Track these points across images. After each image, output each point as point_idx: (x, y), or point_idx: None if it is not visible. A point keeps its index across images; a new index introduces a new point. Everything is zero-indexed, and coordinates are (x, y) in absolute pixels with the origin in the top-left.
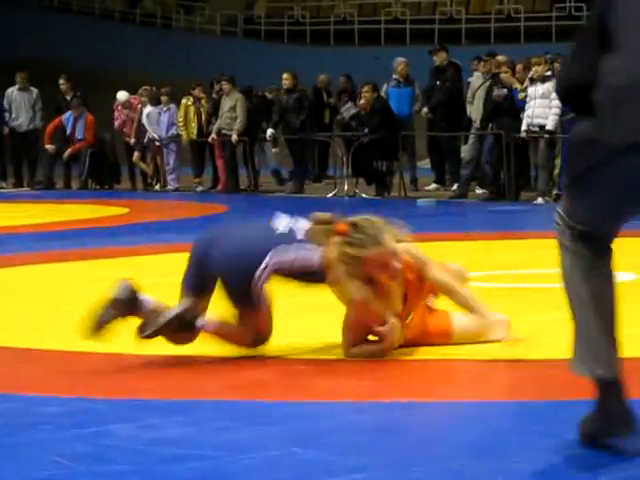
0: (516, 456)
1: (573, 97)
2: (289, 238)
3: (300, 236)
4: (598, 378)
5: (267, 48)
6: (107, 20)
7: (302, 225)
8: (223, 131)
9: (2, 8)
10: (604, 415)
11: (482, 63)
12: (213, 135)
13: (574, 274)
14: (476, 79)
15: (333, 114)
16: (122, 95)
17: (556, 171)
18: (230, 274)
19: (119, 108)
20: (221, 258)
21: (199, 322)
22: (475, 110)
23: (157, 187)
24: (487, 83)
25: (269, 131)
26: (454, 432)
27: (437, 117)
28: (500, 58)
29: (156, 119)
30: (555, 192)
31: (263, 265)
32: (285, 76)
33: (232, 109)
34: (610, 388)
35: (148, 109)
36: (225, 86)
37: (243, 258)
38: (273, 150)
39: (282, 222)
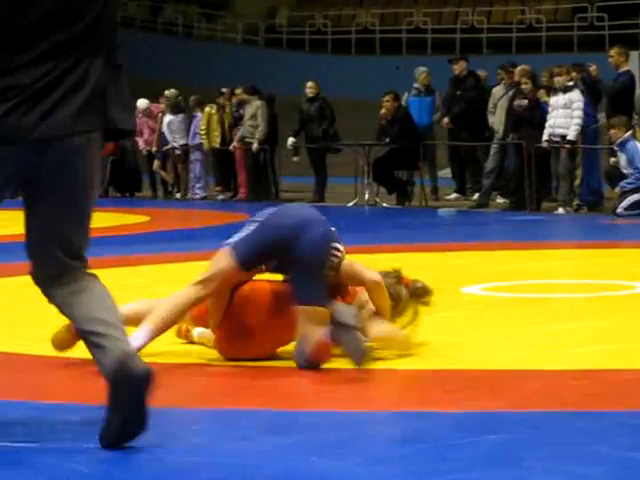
0: (532, 467)
1: None
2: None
3: None
4: None
5: (288, 57)
6: (128, 28)
7: None
8: (246, 139)
9: None
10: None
11: (505, 73)
12: (235, 143)
13: None
14: (499, 89)
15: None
16: (142, 103)
17: (577, 181)
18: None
19: (139, 116)
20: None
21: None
22: (497, 120)
23: (178, 195)
24: (509, 93)
25: (290, 140)
26: (470, 442)
27: (458, 127)
28: (524, 67)
29: (177, 127)
30: (576, 202)
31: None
32: (309, 84)
33: (253, 117)
34: None
35: (168, 117)
36: (242, 95)
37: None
38: (294, 159)
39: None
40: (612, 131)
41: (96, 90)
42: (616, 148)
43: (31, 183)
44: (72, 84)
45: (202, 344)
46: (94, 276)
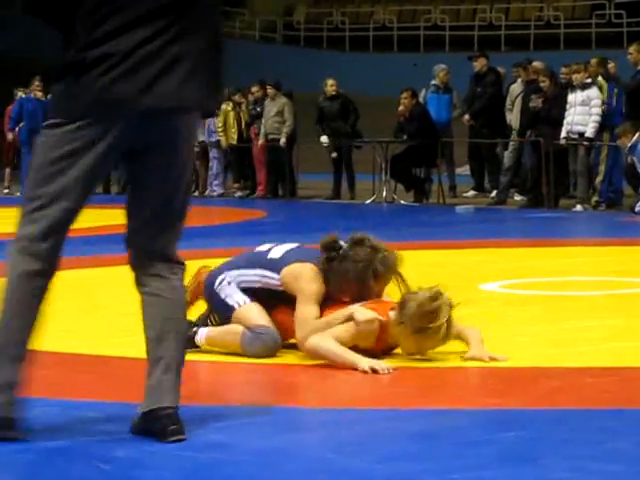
0: (551, 464)
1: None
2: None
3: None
4: None
5: (306, 54)
6: None
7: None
8: (270, 136)
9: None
10: None
11: (522, 70)
12: (260, 140)
13: None
14: (517, 86)
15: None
16: None
17: (599, 178)
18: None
19: None
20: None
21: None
22: (515, 117)
23: (195, 193)
24: (518, 91)
25: (324, 138)
26: (488, 440)
27: (478, 123)
28: (536, 64)
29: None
30: (595, 199)
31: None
32: (330, 82)
33: (279, 114)
34: None
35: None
36: (270, 91)
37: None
38: (333, 155)
39: (279, 249)
40: (619, 141)
41: (197, 68)
42: (628, 153)
43: (132, 156)
44: (173, 57)
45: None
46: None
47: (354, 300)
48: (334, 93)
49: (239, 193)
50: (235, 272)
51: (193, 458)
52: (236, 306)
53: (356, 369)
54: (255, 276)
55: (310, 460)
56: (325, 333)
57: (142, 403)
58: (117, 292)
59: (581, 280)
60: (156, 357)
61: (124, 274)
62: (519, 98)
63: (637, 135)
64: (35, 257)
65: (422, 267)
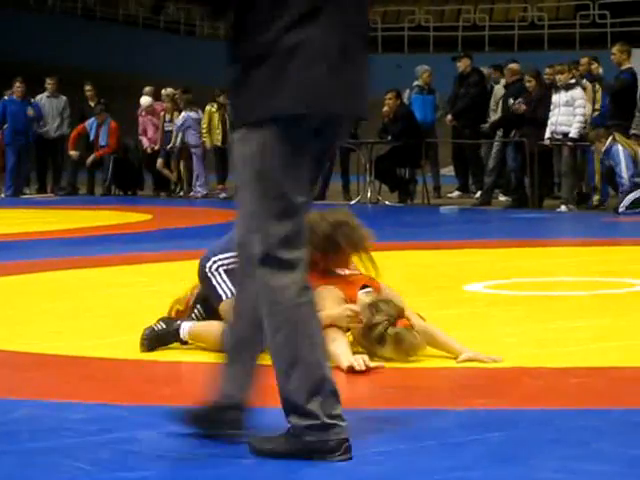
0: (537, 464)
1: None
2: None
3: None
4: None
5: None
6: (131, 27)
7: None
8: None
9: (24, 14)
10: None
11: (500, 73)
12: None
13: None
14: (501, 87)
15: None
16: (146, 100)
17: (597, 177)
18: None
19: (143, 114)
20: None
21: None
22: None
23: (181, 194)
24: (502, 92)
25: None
26: (474, 440)
27: (460, 124)
28: (513, 66)
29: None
30: (597, 197)
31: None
32: None
33: None
34: None
35: (193, 115)
36: None
37: None
38: None
39: None
40: (593, 146)
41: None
42: (604, 158)
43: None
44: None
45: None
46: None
47: (324, 269)
48: None
49: (223, 194)
50: (223, 255)
51: (178, 459)
52: (224, 297)
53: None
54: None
55: (297, 460)
56: None
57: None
58: (103, 293)
59: (566, 280)
60: None
61: (108, 275)
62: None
63: (610, 139)
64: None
65: (407, 268)
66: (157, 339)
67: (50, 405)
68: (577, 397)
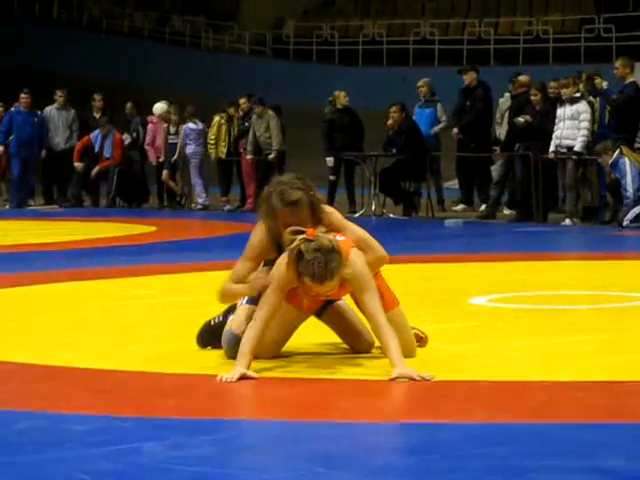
0: (540, 478)
1: None
2: None
3: None
4: None
5: (295, 67)
6: (136, 39)
7: None
8: (266, 152)
9: (29, 26)
10: None
11: (512, 85)
12: (250, 155)
13: None
14: (505, 100)
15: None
16: (160, 107)
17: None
18: None
19: (154, 121)
20: None
21: None
22: (504, 131)
23: (185, 205)
24: (507, 105)
25: (330, 160)
26: (478, 454)
27: (466, 137)
28: (522, 78)
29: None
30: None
31: None
32: (343, 94)
33: (268, 129)
34: None
35: (192, 126)
36: (257, 109)
37: None
38: (331, 178)
39: None
40: (600, 159)
41: None
42: (610, 170)
43: None
44: None
45: None
46: None
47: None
48: (346, 105)
49: (228, 207)
50: None
51: (181, 471)
52: (239, 302)
53: None
54: None
55: (299, 474)
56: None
57: None
58: (107, 305)
59: (570, 294)
60: None
61: (113, 287)
62: (509, 112)
63: (617, 152)
64: None
65: (411, 281)
66: (210, 334)
67: (54, 417)
68: (581, 411)
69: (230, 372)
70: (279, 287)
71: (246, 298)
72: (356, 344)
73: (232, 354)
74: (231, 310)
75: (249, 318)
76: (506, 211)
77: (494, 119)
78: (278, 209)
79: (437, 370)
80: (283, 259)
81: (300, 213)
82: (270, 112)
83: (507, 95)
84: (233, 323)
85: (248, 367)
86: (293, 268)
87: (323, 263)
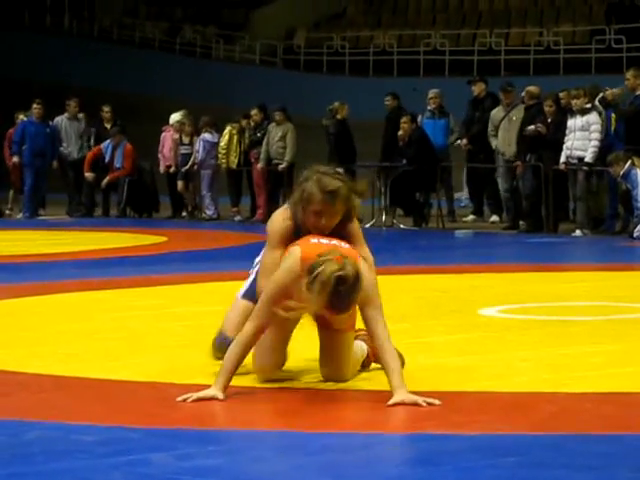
0: None
1: None
2: None
3: None
4: None
5: (306, 78)
6: (147, 49)
7: None
8: (275, 161)
9: (40, 37)
10: None
11: (504, 94)
12: (262, 164)
13: None
14: (497, 112)
15: None
16: (176, 116)
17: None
18: None
19: (168, 129)
20: None
21: None
22: (500, 142)
23: (198, 216)
24: (510, 114)
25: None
26: (487, 465)
27: (476, 148)
28: (531, 88)
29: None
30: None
31: None
32: (345, 106)
33: (283, 139)
34: None
35: (208, 137)
36: (278, 117)
37: None
38: None
39: None
40: (611, 169)
41: None
42: (621, 181)
43: None
44: None
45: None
46: None
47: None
48: (345, 118)
49: (238, 217)
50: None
51: None
52: (236, 295)
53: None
54: None
55: None
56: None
57: None
58: (117, 315)
59: (581, 305)
60: None
61: (123, 297)
62: (504, 122)
63: (629, 163)
64: None
65: (422, 292)
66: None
67: (64, 427)
68: (591, 422)
69: (203, 391)
70: (274, 301)
71: (243, 290)
72: (325, 369)
73: (219, 356)
74: None
75: (244, 317)
76: (494, 217)
77: (488, 131)
78: (314, 195)
79: (446, 380)
80: (283, 271)
81: (335, 204)
82: (289, 124)
83: (499, 107)
84: (226, 324)
85: (224, 389)
86: (307, 288)
87: (346, 294)
